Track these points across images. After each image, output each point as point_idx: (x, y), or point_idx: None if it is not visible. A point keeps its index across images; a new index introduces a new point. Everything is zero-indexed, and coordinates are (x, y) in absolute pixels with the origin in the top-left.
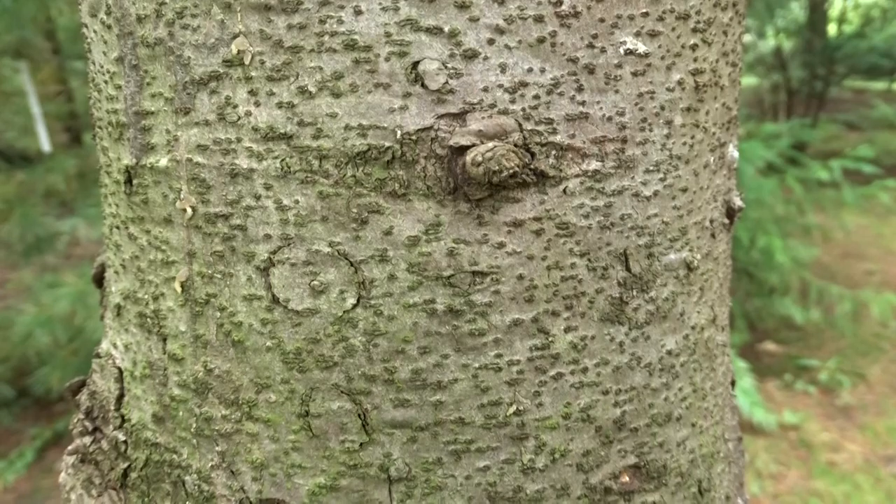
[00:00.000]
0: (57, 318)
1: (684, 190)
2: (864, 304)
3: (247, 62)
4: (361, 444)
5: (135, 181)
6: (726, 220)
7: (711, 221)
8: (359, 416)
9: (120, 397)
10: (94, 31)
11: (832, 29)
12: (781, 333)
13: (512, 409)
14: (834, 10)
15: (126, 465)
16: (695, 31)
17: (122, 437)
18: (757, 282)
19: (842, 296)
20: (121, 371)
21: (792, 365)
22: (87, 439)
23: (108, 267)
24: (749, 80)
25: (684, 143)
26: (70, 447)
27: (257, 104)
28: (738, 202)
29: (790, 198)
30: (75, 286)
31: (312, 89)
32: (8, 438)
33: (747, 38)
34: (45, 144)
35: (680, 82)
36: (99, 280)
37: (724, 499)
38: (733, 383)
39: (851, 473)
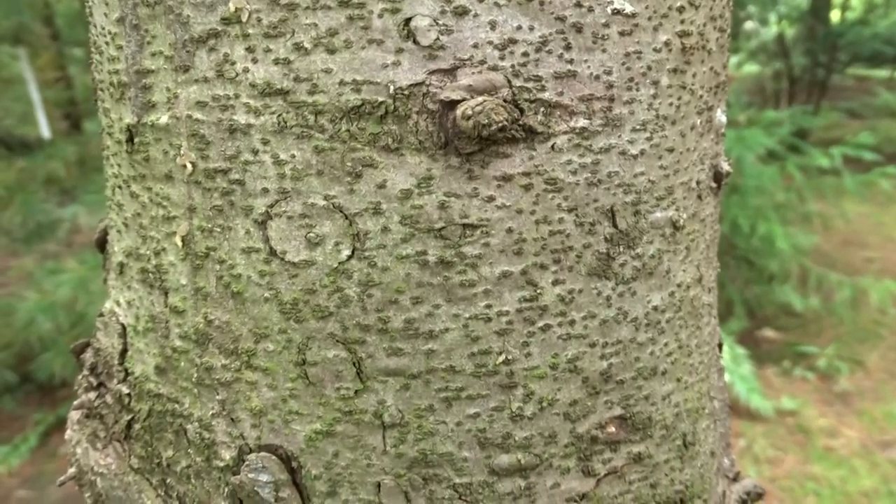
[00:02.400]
0: (59, 305)
1: (671, 150)
2: (864, 291)
3: (244, 19)
4: (356, 392)
5: (136, 139)
6: (714, 184)
7: (698, 183)
8: (353, 364)
9: (123, 352)
10: None
11: (835, 16)
12: (780, 320)
13: (501, 359)
14: None
15: (130, 417)
16: None
17: (125, 389)
18: (757, 269)
19: (841, 283)
20: (124, 327)
21: (790, 351)
22: (92, 394)
23: (111, 228)
24: (751, 68)
25: (671, 104)
26: (75, 402)
27: (254, 61)
28: (725, 167)
29: (791, 185)
30: (77, 272)
31: (308, 46)
32: (12, 424)
33: (749, 25)
34: (45, 131)
35: (667, 43)
36: (101, 245)
37: (708, 454)
38: (720, 346)
39: (848, 458)
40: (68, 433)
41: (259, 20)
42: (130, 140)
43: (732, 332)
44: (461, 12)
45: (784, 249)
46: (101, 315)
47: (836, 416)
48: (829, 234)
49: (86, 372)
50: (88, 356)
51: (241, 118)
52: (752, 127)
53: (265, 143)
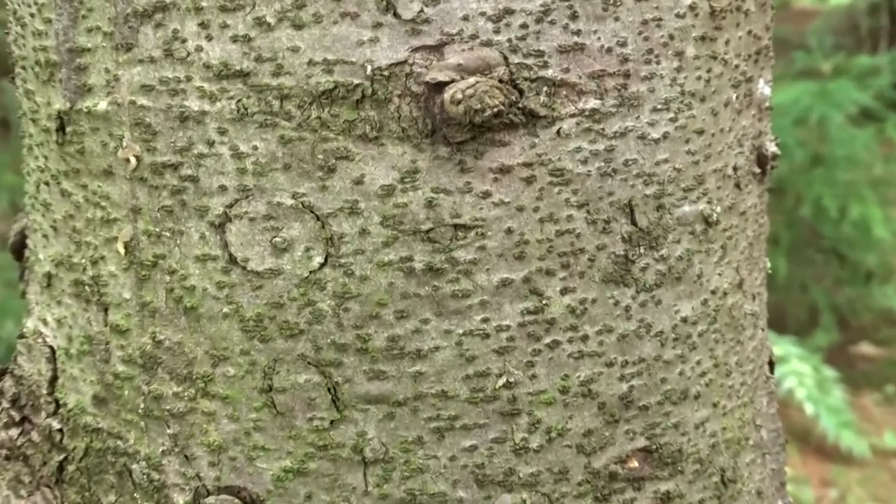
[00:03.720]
0: None
1: (700, 132)
2: None
3: None
4: (332, 422)
5: (68, 129)
6: (757, 170)
7: (736, 169)
8: (328, 390)
9: (53, 380)
10: None
11: None
12: (881, 332)
13: (501, 382)
14: None
15: (62, 456)
16: None
17: (56, 424)
18: (849, 265)
19: None
20: (53, 350)
21: (895, 372)
22: (14, 431)
23: (34, 231)
24: (839, 1)
25: (699, 78)
26: None
27: (209, 38)
28: (771, 148)
29: (891, 154)
30: None
31: (271, 20)
32: None
33: None
34: None
35: (692, 7)
36: (18, 251)
37: (754, 494)
38: (772, 365)
39: None
40: None
41: None
42: (61, 129)
43: (819, 349)
44: None
45: (884, 238)
46: (23, 336)
47: None
48: None
49: (5, 405)
50: (7, 385)
51: (194, 104)
52: (841, 78)
53: (222, 132)
